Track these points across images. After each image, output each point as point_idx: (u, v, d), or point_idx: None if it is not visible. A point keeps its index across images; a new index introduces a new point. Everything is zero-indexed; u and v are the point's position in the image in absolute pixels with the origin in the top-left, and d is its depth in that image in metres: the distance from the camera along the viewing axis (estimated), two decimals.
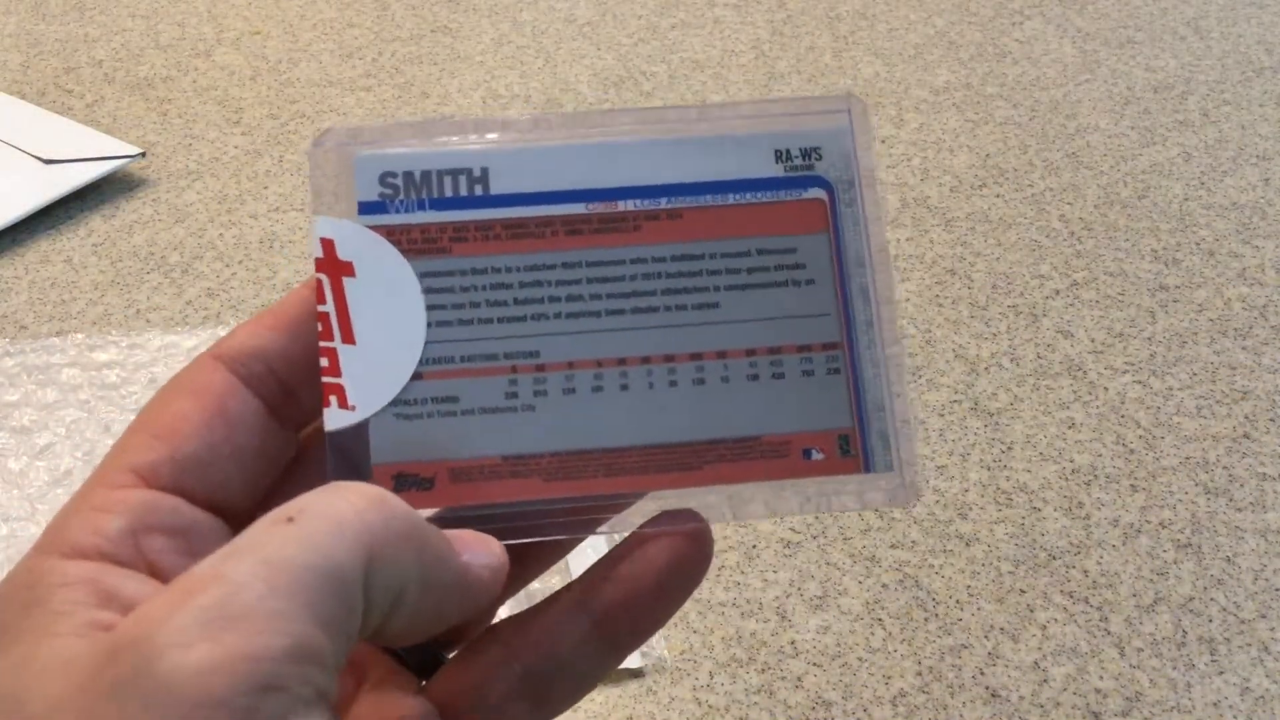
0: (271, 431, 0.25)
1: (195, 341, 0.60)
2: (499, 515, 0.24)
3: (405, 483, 0.24)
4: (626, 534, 0.25)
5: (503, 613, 0.26)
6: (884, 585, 0.49)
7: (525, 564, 0.27)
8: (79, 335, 0.60)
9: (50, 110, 0.77)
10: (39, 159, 0.71)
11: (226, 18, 0.90)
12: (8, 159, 0.71)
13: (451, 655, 0.26)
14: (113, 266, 0.66)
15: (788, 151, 0.25)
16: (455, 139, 0.25)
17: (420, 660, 0.26)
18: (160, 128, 0.77)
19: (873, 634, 0.47)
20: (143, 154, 0.73)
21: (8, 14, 0.90)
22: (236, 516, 0.24)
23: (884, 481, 0.25)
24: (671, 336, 0.25)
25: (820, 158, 0.26)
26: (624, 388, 0.25)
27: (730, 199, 0.25)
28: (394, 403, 0.24)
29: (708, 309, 0.25)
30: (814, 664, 0.46)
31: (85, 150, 0.72)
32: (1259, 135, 0.78)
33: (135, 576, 0.22)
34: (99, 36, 0.87)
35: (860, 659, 0.47)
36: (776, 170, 0.25)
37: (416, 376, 0.24)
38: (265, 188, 0.72)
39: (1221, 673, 0.46)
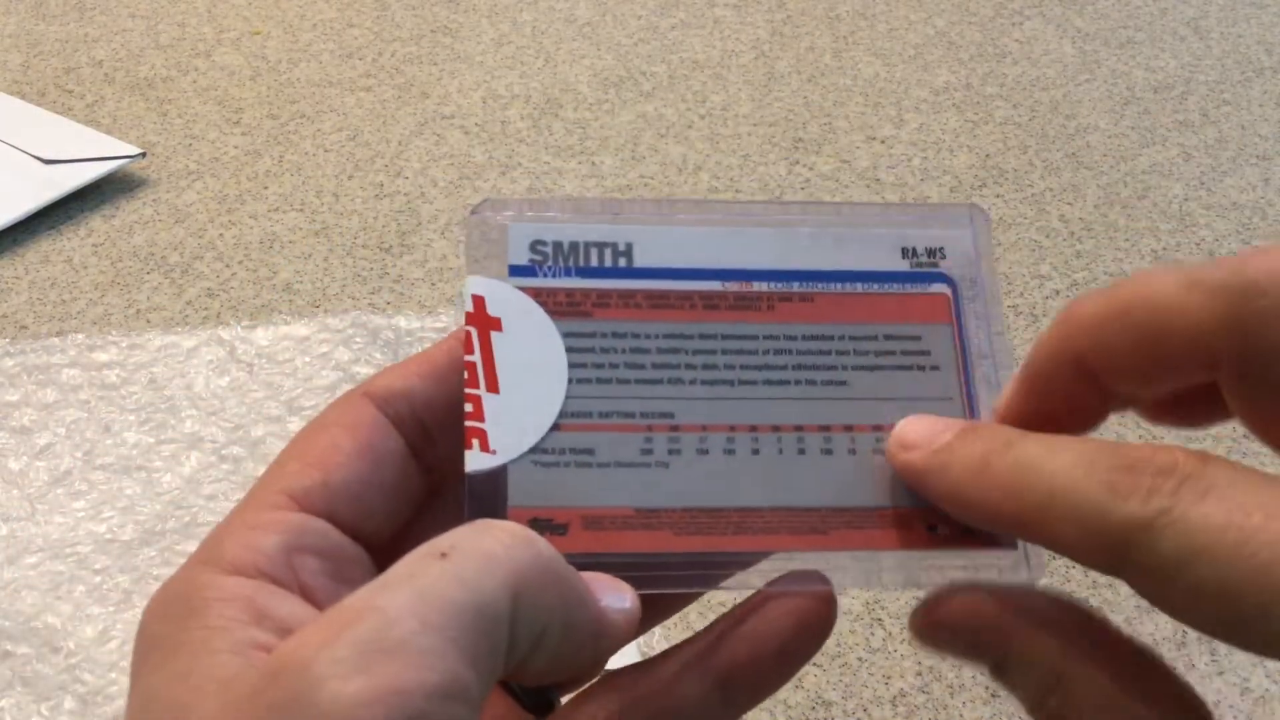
0: (411, 470, 0.26)
1: (195, 342, 0.60)
2: (629, 564, 0.25)
3: (540, 527, 0.25)
4: (750, 592, 0.25)
5: (613, 663, 0.26)
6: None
7: (644, 615, 0.27)
8: (79, 335, 0.60)
9: (50, 110, 0.77)
10: (39, 159, 0.71)
11: (226, 18, 0.90)
12: (8, 159, 0.71)
13: (566, 699, 0.26)
14: (113, 266, 0.66)
15: (914, 249, 0.28)
16: (602, 215, 0.27)
17: (536, 700, 0.26)
18: (160, 128, 0.77)
19: (873, 634, 0.47)
20: (143, 154, 0.73)
21: (8, 14, 0.90)
22: (377, 546, 0.25)
23: (1006, 558, 0.26)
24: (801, 408, 0.26)
25: (944, 256, 0.28)
26: (755, 452, 0.26)
27: (859, 287, 0.27)
28: (533, 450, 0.25)
29: (836, 385, 0.26)
30: (814, 664, 0.46)
31: (85, 150, 0.72)
32: (1259, 135, 0.79)
33: (288, 597, 0.23)
34: (99, 36, 0.87)
35: (860, 659, 0.47)
36: (903, 265, 0.28)
37: (555, 427, 0.25)
38: (265, 188, 0.72)
39: (1221, 673, 0.46)
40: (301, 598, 0.23)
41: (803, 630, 0.25)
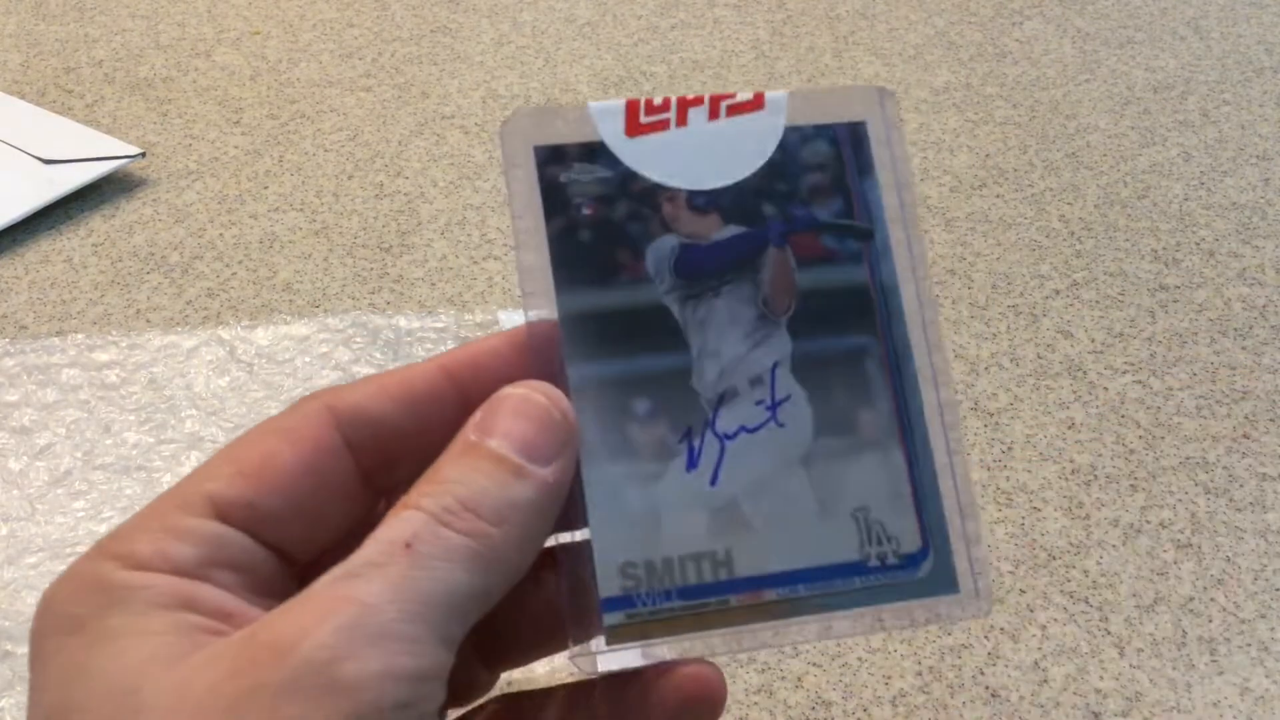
0: (357, 494, 0.25)
1: (195, 342, 0.60)
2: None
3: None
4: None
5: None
6: None
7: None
8: (79, 335, 0.60)
9: (50, 110, 0.77)
10: (39, 159, 0.71)
11: (226, 18, 0.90)
12: (8, 159, 0.71)
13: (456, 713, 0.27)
14: (113, 266, 0.66)
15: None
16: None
17: None
18: (160, 128, 0.77)
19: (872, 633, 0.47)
20: (143, 154, 0.73)
21: (8, 14, 0.90)
22: (297, 561, 0.25)
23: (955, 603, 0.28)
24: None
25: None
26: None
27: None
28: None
29: None
30: (814, 664, 0.46)
31: (85, 150, 0.72)
32: (1259, 135, 0.79)
33: (211, 588, 0.23)
34: (99, 36, 0.87)
35: (860, 659, 0.47)
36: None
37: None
38: (265, 188, 0.72)
39: (1221, 673, 0.46)
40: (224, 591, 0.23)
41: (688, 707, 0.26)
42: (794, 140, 0.28)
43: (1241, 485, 0.54)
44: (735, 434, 0.27)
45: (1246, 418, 0.57)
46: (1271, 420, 0.57)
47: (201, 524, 0.23)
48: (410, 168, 0.74)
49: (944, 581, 0.27)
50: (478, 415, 0.24)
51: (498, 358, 0.26)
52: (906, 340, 0.28)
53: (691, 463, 0.26)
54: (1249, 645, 0.47)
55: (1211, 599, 0.49)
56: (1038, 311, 0.64)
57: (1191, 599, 0.49)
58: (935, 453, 0.28)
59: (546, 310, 0.26)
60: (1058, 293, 0.65)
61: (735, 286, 0.27)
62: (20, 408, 0.56)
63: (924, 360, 0.28)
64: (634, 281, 0.27)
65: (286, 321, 0.61)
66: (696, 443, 0.27)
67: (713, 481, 0.27)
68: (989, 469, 0.55)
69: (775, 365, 0.27)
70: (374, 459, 0.25)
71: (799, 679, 0.46)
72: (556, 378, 0.26)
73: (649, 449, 0.26)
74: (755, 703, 0.45)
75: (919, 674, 0.46)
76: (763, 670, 0.46)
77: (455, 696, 0.27)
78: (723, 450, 0.27)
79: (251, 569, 0.23)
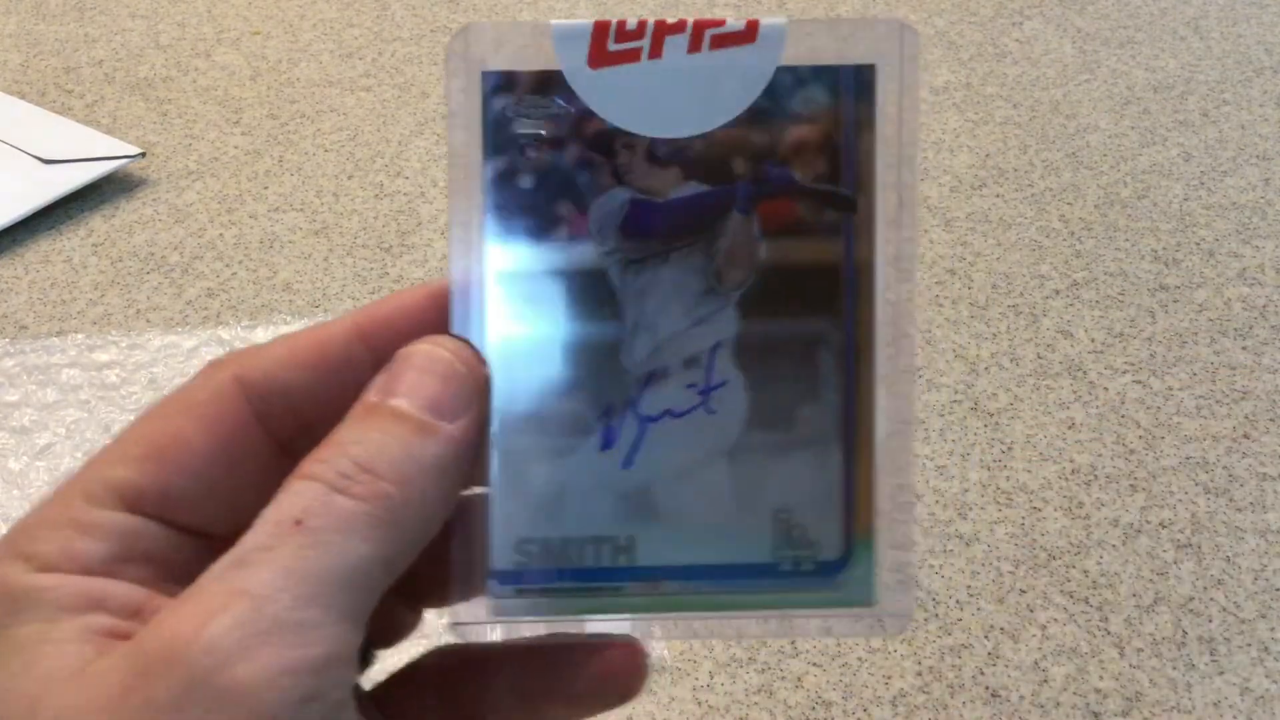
0: (273, 465, 0.23)
1: (195, 342, 0.60)
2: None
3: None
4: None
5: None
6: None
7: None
8: (79, 335, 0.60)
9: (50, 110, 0.77)
10: (39, 159, 0.71)
11: (226, 18, 0.90)
12: (7, 159, 0.71)
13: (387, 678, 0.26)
14: (113, 267, 0.66)
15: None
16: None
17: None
18: (160, 128, 0.77)
19: None
20: (142, 154, 0.73)
21: (8, 14, 0.90)
22: (221, 537, 0.23)
23: (862, 613, 0.26)
24: None
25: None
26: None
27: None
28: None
29: None
30: (814, 664, 0.46)
31: (85, 150, 0.72)
32: (1259, 135, 0.78)
33: (119, 584, 0.21)
34: (99, 36, 0.87)
35: (860, 659, 0.47)
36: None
37: None
38: (265, 188, 0.72)
39: (1222, 673, 0.46)
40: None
41: (611, 679, 0.25)
42: (786, 83, 0.24)
43: (1241, 485, 0.54)
44: (659, 417, 0.25)
45: (1246, 418, 0.57)
46: (1271, 420, 0.57)
47: (109, 516, 0.22)
48: (410, 168, 0.74)
49: (860, 594, 0.25)
50: (380, 377, 0.23)
51: (415, 314, 0.24)
52: (872, 333, 0.25)
53: (607, 442, 0.25)
54: (1249, 645, 0.47)
55: (1211, 599, 0.49)
56: (1038, 311, 0.64)
57: (1191, 599, 0.49)
58: (880, 462, 0.25)
59: (473, 262, 0.24)
60: (1058, 293, 0.65)
61: (686, 253, 0.25)
62: (20, 408, 0.56)
63: (888, 358, 0.25)
64: (573, 239, 0.24)
65: (286, 322, 0.61)
66: (615, 422, 0.25)
67: (626, 464, 0.25)
68: (989, 469, 0.55)
69: (716, 347, 0.25)
70: (287, 427, 0.24)
71: (799, 679, 0.46)
72: (475, 337, 0.24)
73: (564, 424, 0.24)
74: (755, 703, 0.45)
75: (919, 674, 0.46)
76: (763, 670, 0.46)
77: (379, 640, 0.26)
78: (642, 433, 0.25)
79: (167, 557, 0.22)
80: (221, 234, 0.68)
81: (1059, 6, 0.93)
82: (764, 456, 0.25)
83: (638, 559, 0.25)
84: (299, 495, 0.21)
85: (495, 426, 0.24)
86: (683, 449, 0.25)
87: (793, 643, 0.47)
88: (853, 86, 0.24)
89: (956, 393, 0.58)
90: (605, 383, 0.25)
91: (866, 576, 0.25)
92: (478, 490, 0.24)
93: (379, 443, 0.21)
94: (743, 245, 0.25)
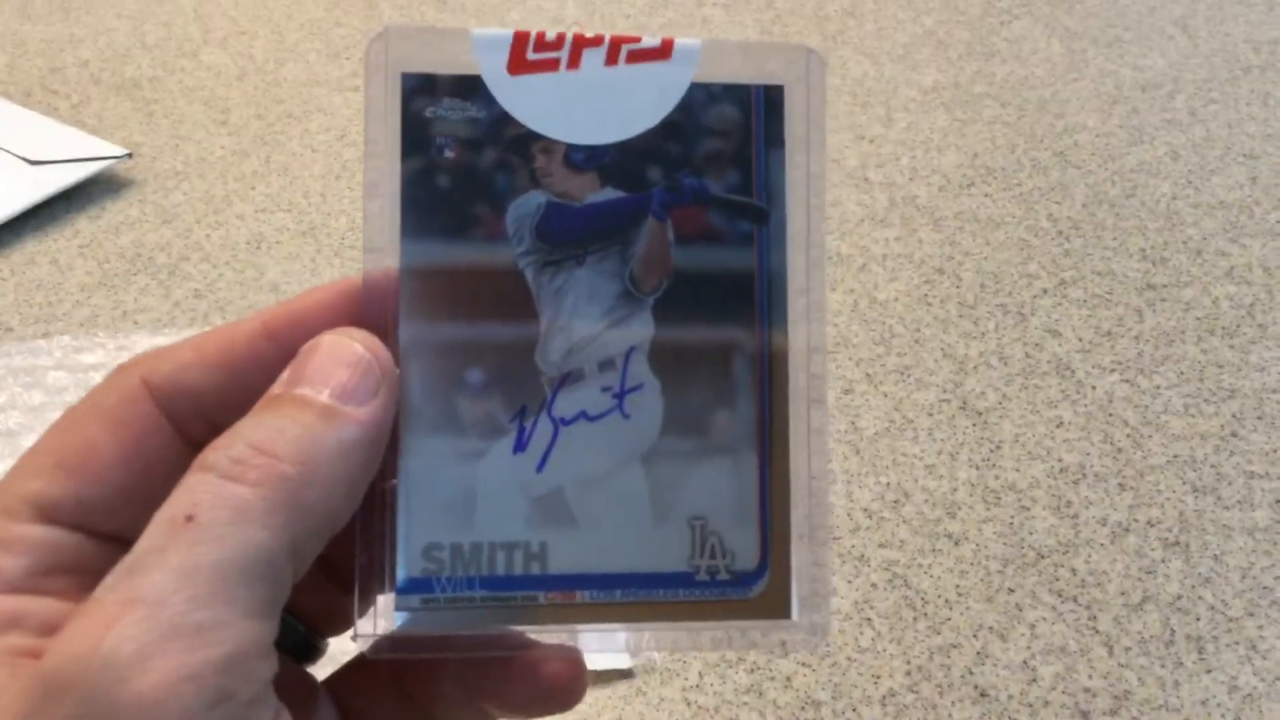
0: (189, 466, 0.23)
1: None
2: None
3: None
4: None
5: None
6: (873, 585, 0.49)
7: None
8: (65, 337, 0.60)
9: (36, 111, 0.77)
10: (25, 160, 0.71)
11: (213, 18, 0.90)
12: None
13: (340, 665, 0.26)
14: (99, 268, 0.66)
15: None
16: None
17: (295, 643, 0.26)
18: (147, 128, 0.77)
19: (862, 633, 0.47)
20: (129, 155, 0.72)
21: None
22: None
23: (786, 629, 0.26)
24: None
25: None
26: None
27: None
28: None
29: None
30: (803, 664, 0.46)
31: (71, 151, 0.71)
32: (1246, 134, 0.79)
33: (37, 600, 0.21)
34: (85, 37, 0.87)
35: (849, 658, 0.47)
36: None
37: None
38: (252, 188, 0.72)
39: (1209, 671, 0.46)
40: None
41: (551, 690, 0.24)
42: (699, 98, 0.25)
43: (1229, 483, 0.54)
44: (573, 420, 0.25)
45: (1234, 416, 0.58)
46: (1259, 418, 0.58)
47: (27, 530, 0.21)
48: None
49: (776, 606, 0.25)
50: (286, 370, 0.22)
51: (325, 312, 0.24)
52: (785, 341, 0.25)
53: (520, 445, 0.24)
54: (1237, 643, 0.47)
55: (1199, 597, 0.49)
56: (1026, 310, 0.64)
57: (1180, 597, 0.49)
58: (795, 469, 0.25)
59: (387, 259, 0.24)
60: (1046, 292, 0.65)
61: (601, 257, 0.25)
62: (6, 410, 0.56)
63: (800, 365, 0.25)
64: (489, 239, 0.24)
65: None
66: (529, 424, 0.24)
67: (539, 468, 0.24)
68: (977, 468, 0.55)
69: (631, 350, 0.25)
70: (198, 428, 0.23)
71: (788, 679, 0.46)
72: (386, 335, 0.24)
73: (476, 425, 0.24)
74: (745, 703, 0.45)
75: (908, 673, 0.46)
76: (752, 670, 0.46)
77: (325, 627, 0.26)
78: (556, 435, 0.24)
79: (88, 567, 0.21)
80: (209, 235, 0.68)
81: (1047, 6, 0.93)
82: (679, 463, 0.25)
83: (550, 566, 0.24)
84: (190, 490, 0.20)
85: (405, 426, 0.24)
86: (597, 453, 0.25)
87: (781, 642, 0.47)
88: (763, 104, 0.25)
89: (945, 392, 0.58)
90: (519, 384, 0.24)
91: (783, 588, 0.25)
92: (385, 487, 0.24)
93: (278, 426, 0.21)
94: (658, 251, 0.25)
